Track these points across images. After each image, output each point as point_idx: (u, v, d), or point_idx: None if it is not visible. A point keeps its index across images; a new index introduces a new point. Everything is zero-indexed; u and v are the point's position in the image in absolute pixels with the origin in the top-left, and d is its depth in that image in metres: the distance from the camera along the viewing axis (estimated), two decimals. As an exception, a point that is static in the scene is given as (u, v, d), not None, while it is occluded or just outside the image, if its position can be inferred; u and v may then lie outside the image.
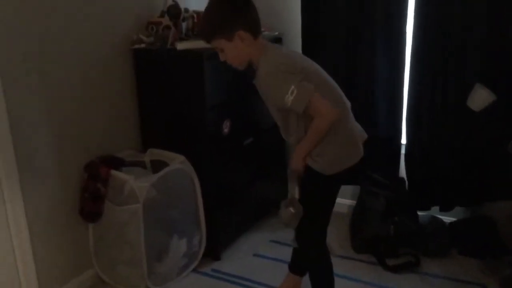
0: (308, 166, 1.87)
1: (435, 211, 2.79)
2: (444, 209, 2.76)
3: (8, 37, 1.97)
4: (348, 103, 1.92)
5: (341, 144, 1.86)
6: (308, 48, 2.84)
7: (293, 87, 1.70)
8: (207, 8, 1.85)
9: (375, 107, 2.79)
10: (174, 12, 2.58)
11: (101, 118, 2.46)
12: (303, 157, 1.85)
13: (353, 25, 2.70)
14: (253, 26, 1.79)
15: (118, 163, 2.43)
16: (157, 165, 2.50)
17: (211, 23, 1.81)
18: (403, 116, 2.76)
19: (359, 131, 1.94)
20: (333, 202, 1.97)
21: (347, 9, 2.69)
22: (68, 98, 2.27)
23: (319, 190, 1.91)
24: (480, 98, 2.48)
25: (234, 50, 1.79)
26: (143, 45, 2.52)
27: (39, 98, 2.14)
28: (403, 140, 2.82)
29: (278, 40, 2.91)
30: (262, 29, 2.80)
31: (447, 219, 2.80)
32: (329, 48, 2.79)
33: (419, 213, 2.75)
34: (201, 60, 2.33)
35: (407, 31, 2.63)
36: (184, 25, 2.62)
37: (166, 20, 2.54)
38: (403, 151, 2.84)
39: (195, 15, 2.64)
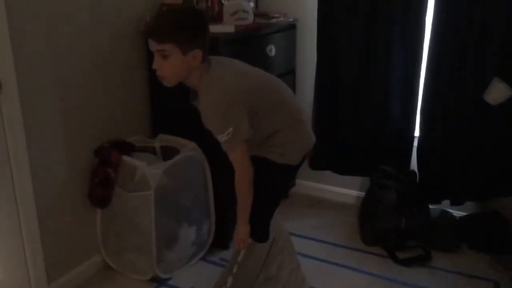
0: (263, 158, 1.86)
1: (446, 205, 2.76)
2: (455, 203, 2.74)
3: (20, 18, 1.90)
4: (305, 114, 1.91)
5: (288, 142, 1.86)
6: (324, 36, 2.79)
7: (231, 129, 1.66)
8: (181, 9, 1.78)
9: (390, 99, 2.74)
10: (189, -6, 2.52)
11: (111, 102, 2.40)
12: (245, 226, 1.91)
13: (371, 13, 2.64)
14: (207, 50, 1.70)
15: (128, 148, 2.39)
16: (167, 151, 2.46)
17: (176, 27, 1.63)
18: (418, 109, 2.72)
19: (306, 141, 1.91)
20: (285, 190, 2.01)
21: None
22: (79, 81, 2.21)
23: (273, 179, 1.92)
24: (498, 92, 2.45)
25: (179, 65, 1.65)
26: (156, 28, 2.44)
27: (51, 81, 2.09)
28: (416, 133, 2.79)
29: (292, 26, 2.85)
30: (277, 15, 2.77)
31: (457, 213, 2.78)
32: (345, 36, 2.73)
33: (430, 206, 2.73)
34: (218, 44, 2.26)
35: (426, 21, 2.58)
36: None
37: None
38: (415, 144, 2.81)
39: (209, -2, 2.58)
